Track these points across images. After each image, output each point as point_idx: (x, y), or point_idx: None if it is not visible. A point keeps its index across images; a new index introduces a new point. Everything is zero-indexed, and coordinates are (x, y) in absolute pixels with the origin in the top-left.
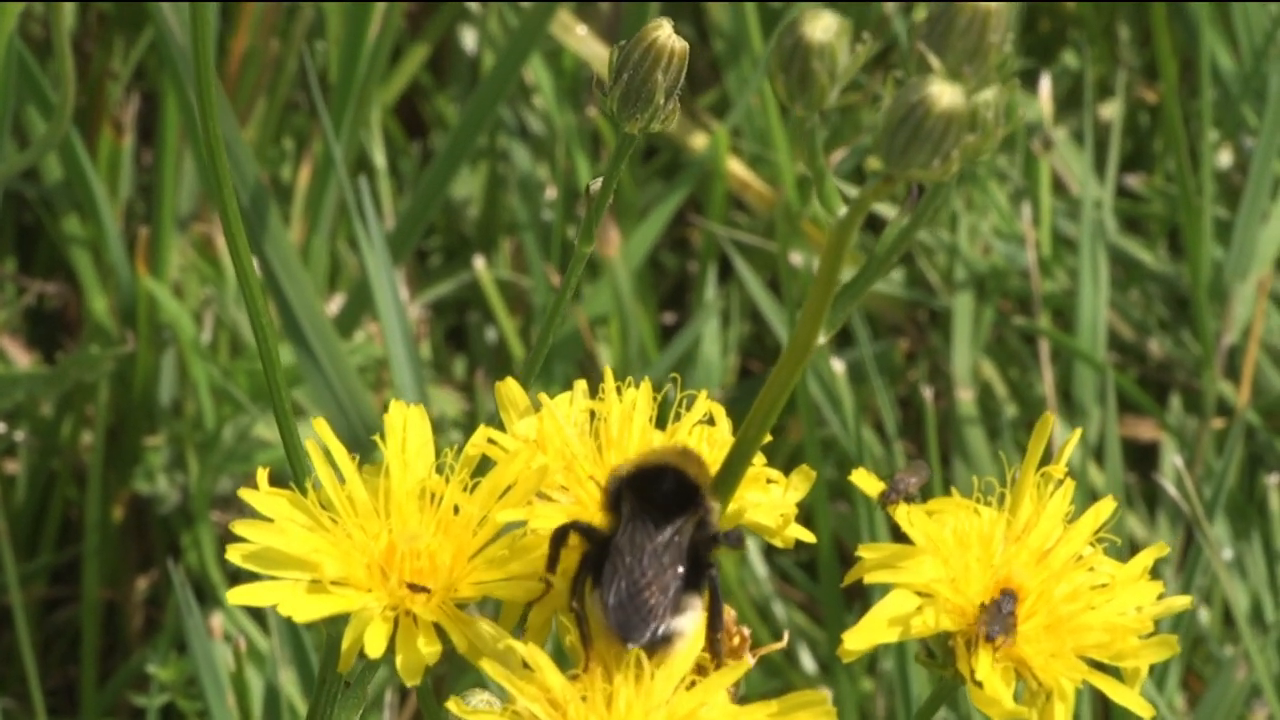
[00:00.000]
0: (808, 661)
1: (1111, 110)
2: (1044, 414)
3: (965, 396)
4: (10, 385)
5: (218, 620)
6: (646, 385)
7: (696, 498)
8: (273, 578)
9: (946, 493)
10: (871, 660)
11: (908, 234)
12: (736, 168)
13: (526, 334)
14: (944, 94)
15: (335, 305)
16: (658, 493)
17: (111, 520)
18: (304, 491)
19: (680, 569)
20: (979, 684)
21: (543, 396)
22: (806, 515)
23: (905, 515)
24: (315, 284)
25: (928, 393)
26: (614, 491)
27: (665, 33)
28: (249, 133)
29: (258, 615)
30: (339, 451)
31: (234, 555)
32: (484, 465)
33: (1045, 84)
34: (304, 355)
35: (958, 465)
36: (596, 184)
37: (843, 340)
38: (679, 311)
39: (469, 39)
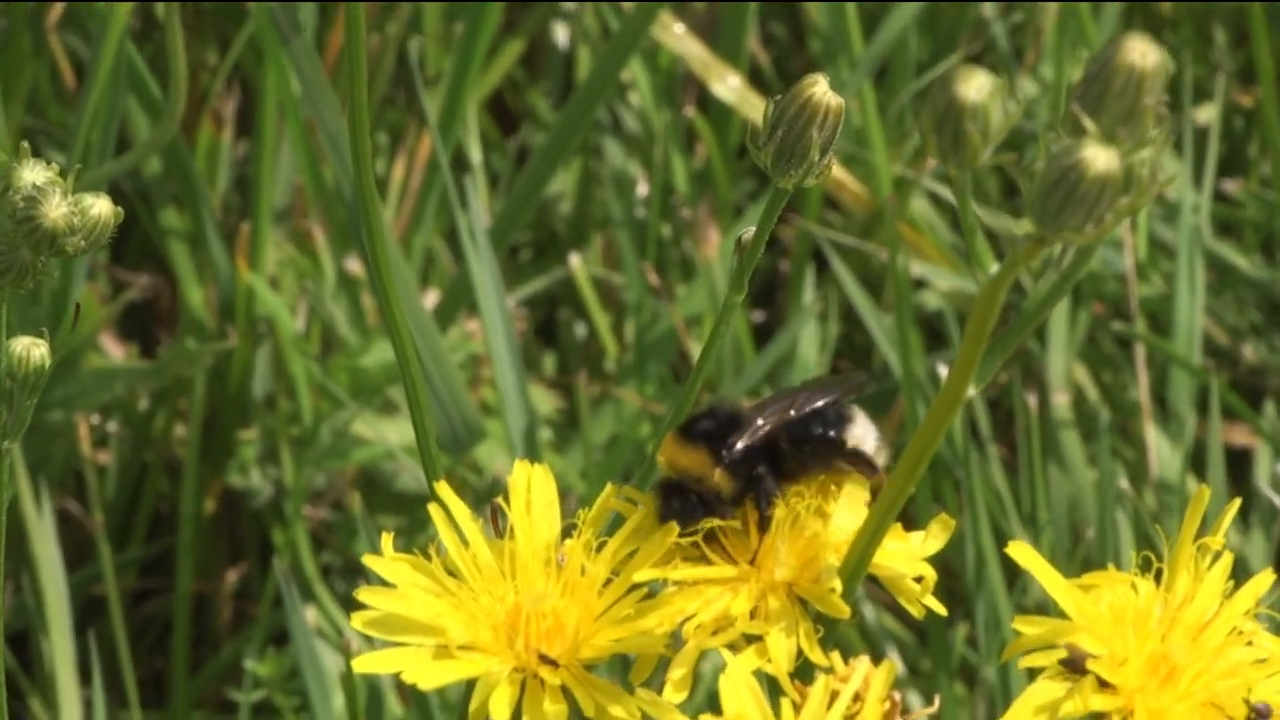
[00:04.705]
0: (898, 665)
1: (1207, 114)
2: (1200, 488)
3: (1060, 400)
4: (110, 379)
5: (310, 615)
6: None
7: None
8: (398, 643)
9: (1046, 495)
10: (971, 671)
11: (1058, 290)
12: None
13: (618, 330)
14: (1099, 158)
15: (429, 301)
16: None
17: (203, 513)
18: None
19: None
20: None
21: None
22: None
23: (1063, 588)
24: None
25: (1030, 400)
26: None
27: (821, 89)
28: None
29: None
30: (463, 514)
31: (357, 622)
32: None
33: None
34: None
35: (1052, 470)
36: (748, 234)
37: (937, 342)
38: (769, 309)
39: (561, 34)
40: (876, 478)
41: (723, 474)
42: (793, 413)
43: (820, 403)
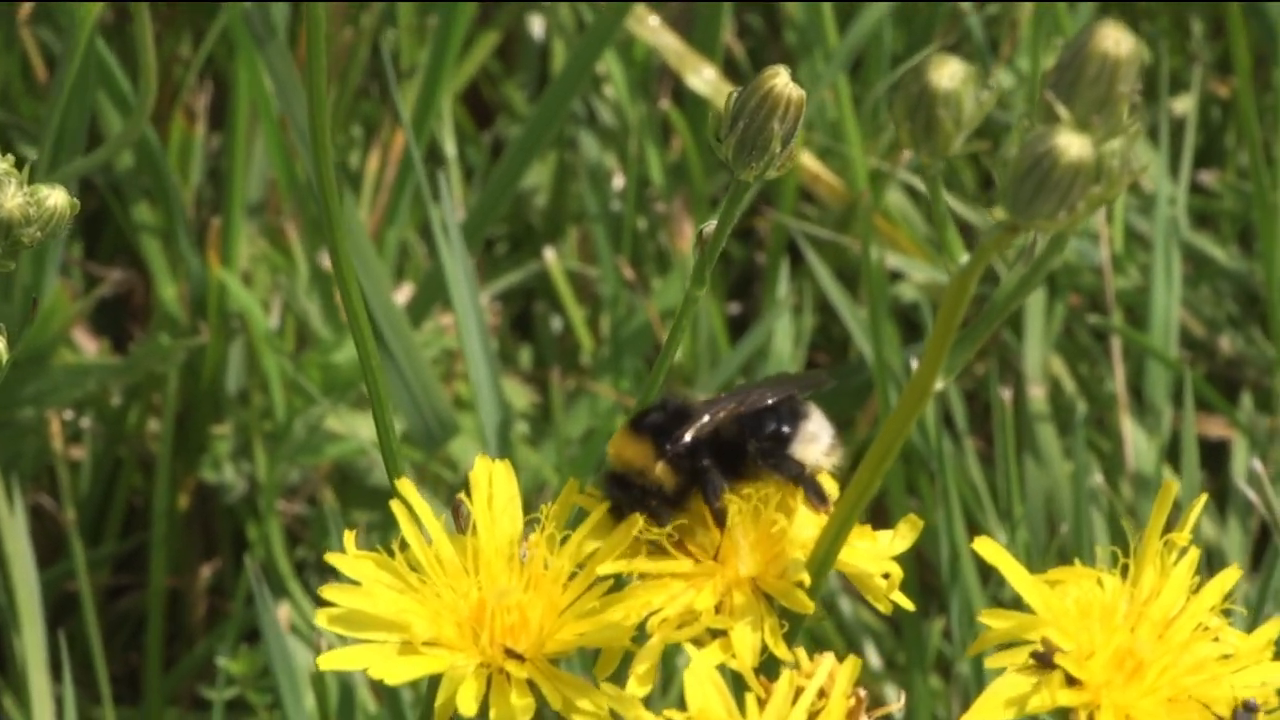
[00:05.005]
0: (873, 658)
1: (1183, 105)
2: (1166, 482)
3: (1037, 393)
4: (82, 374)
5: (284, 612)
6: None
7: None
8: (363, 640)
9: (1022, 489)
10: (946, 664)
11: (1029, 280)
12: (807, 160)
13: (594, 324)
14: (1072, 145)
15: (403, 295)
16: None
17: (177, 509)
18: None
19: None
20: None
21: None
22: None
23: (1029, 584)
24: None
25: (1006, 393)
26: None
27: (782, 81)
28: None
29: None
30: (425, 511)
31: (322, 619)
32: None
33: None
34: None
35: (1028, 462)
36: (710, 227)
37: (913, 335)
38: (744, 302)
39: (537, 26)
40: (825, 508)
41: (664, 467)
42: (742, 408)
43: (773, 399)
